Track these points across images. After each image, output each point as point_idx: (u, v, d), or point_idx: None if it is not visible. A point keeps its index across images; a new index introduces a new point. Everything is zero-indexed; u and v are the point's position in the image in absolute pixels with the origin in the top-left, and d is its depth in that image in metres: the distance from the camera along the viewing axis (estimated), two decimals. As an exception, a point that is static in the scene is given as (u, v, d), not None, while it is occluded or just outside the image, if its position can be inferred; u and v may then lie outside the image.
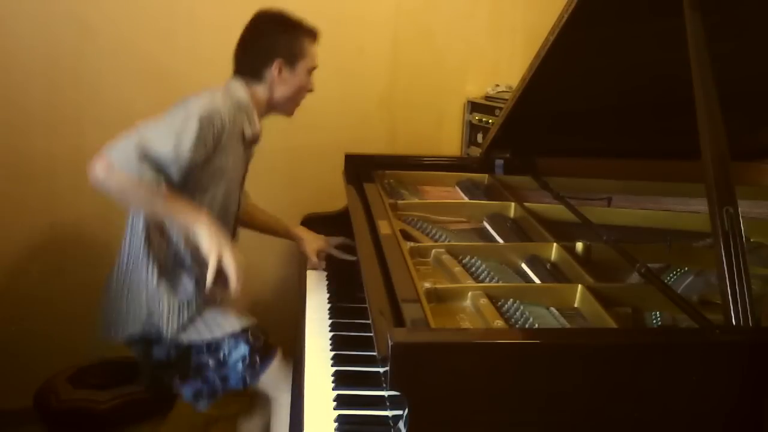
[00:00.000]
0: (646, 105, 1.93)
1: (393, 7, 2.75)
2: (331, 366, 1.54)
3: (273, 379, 1.78)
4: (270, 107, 1.87)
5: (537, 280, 1.49)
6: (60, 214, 2.44)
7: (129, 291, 1.76)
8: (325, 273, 2.08)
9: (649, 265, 1.41)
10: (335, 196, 2.15)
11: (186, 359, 1.77)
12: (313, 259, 2.11)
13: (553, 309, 1.35)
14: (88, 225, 2.44)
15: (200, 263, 1.70)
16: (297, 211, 2.26)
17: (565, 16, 1.61)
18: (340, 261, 2.10)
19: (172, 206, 1.63)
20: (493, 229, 1.80)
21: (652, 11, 1.55)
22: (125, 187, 1.58)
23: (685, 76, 1.33)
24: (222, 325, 1.76)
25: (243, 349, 1.75)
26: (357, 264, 1.64)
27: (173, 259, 1.77)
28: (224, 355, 1.76)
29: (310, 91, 1.89)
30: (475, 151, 2.68)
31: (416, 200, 1.99)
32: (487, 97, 2.84)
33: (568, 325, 1.30)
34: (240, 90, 1.79)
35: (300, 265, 2.17)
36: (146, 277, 1.72)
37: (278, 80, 1.82)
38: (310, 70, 1.86)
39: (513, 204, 1.87)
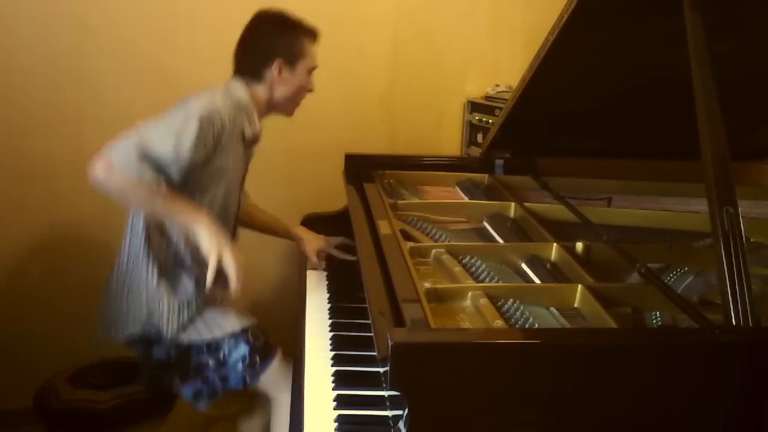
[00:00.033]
0: (646, 105, 1.93)
1: (393, 7, 2.75)
2: (331, 366, 1.54)
3: (273, 379, 1.78)
4: (270, 107, 1.87)
5: (537, 280, 1.49)
6: (60, 214, 2.44)
7: (129, 291, 1.76)
8: (325, 273, 2.08)
9: (649, 265, 1.41)
10: (335, 196, 2.15)
11: (186, 359, 1.77)
12: (313, 259, 2.11)
13: (553, 309, 1.35)
14: (88, 225, 2.44)
15: (200, 263, 1.70)
16: (297, 211, 2.26)
17: (565, 16, 1.61)
18: (340, 261, 2.10)
19: (172, 206, 1.63)
20: (493, 229, 1.80)
21: (652, 11, 1.55)
22: (125, 187, 1.58)
23: (685, 76, 1.33)
24: (222, 325, 1.76)
25: (243, 349, 1.75)
26: (357, 264, 1.64)
27: (173, 259, 1.77)
28: (224, 355, 1.76)
29: (310, 91, 1.89)
30: (475, 151, 2.68)
31: (416, 200, 1.99)
32: (487, 97, 2.84)
33: (568, 325, 1.30)
34: (240, 90, 1.79)
35: (300, 265, 2.17)
36: (146, 277, 1.73)
37: (278, 80, 1.82)
38: (310, 70, 1.86)
39: (513, 204, 1.87)
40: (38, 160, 2.38)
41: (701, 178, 1.24)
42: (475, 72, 2.93)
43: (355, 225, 1.75)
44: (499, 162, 2.20)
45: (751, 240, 1.70)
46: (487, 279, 1.49)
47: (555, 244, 1.59)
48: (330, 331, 1.72)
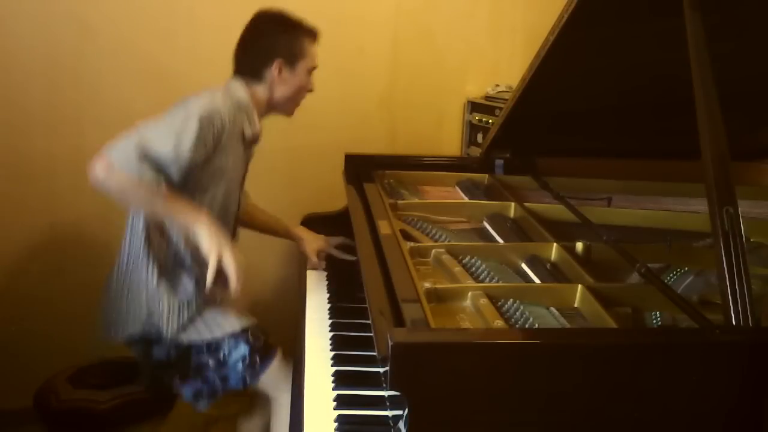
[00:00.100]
0: (646, 105, 1.93)
1: (393, 7, 2.75)
2: (331, 366, 1.54)
3: (273, 379, 1.78)
4: (270, 107, 1.87)
5: (537, 280, 1.49)
6: (60, 214, 2.44)
7: (129, 291, 1.76)
8: (325, 273, 2.08)
9: (649, 265, 1.41)
10: (335, 196, 2.15)
11: (186, 359, 1.77)
12: (313, 259, 2.11)
13: (553, 309, 1.35)
14: (88, 225, 2.44)
15: (200, 263, 1.70)
16: (297, 211, 2.26)
17: (565, 16, 1.61)
18: (340, 261, 2.10)
19: (172, 206, 1.63)
20: (493, 229, 1.80)
21: (652, 11, 1.55)
22: (125, 187, 1.58)
23: (685, 76, 1.33)
24: (222, 325, 1.76)
25: (243, 349, 1.75)
26: (357, 264, 1.64)
27: (173, 259, 1.77)
28: (224, 355, 1.76)
29: (310, 91, 1.89)
30: (475, 151, 2.68)
31: (416, 200, 1.99)
32: (487, 97, 2.84)
33: (568, 325, 1.30)
34: (240, 90, 1.79)
35: (300, 265, 2.17)
36: (146, 277, 1.73)
37: (278, 80, 1.82)
38: (310, 70, 1.86)
39: (513, 204, 1.87)
40: (38, 160, 2.38)
41: (701, 178, 1.24)
42: (475, 72, 2.93)
43: (355, 225, 1.75)
44: (499, 162, 2.20)
45: (751, 240, 1.70)
46: (487, 279, 1.49)
47: (555, 244, 1.59)
48: (330, 331, 1.72)
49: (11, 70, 2.30)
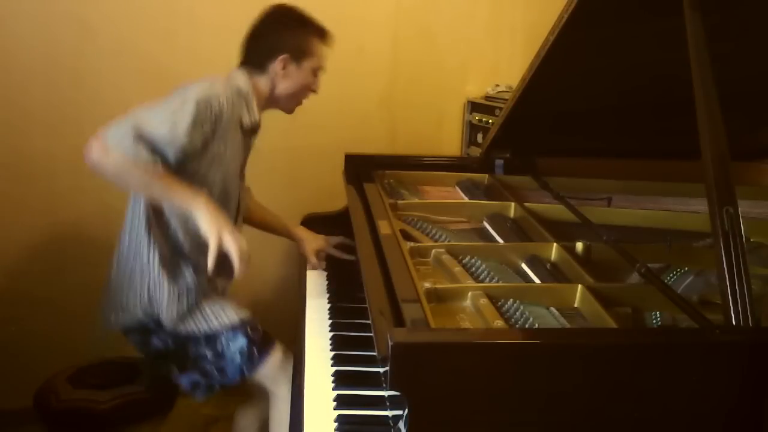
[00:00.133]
0: (646, 105, 1.93)
1: (393, 6, 2.75)
2: (331, 366, 1.54)
3: (271, 372, 1.78)
4: (271, 101, 1.86)
5: (537, 280, 1.49)
6: (60, 214, 2.44)
7: (130, 277, 1.76)
8: (325, 273, 2.08)
9: (649, 265, 1.41)
10: (335, 196, 2.15)
11: (184, 350, 1.78)
12: (313, 259, 2.10)
13: (553, 309, 1.35)
14: (89, 225, 2.44)
15: (199, 252, 1.69)
16: (297, 211, 2.26)
17: (565, 16, 1.61)
18: (340, 261, 2.10)
19: (169, 188, 1.62)
20: (493, 229, 1.80)
21: (652, 11, 1.55)
22: (121, 168, 1.58)
23: (685, 76, 1.33)
24: (220, 317, 1.77)
25: (241, 341, 1.75)
26: (357, 264, 1.64)
27: (172, 248, 1.77)
28: (222, 347, 1.76)
29: (314, 91, 1.89)
30: (475, 151, 2.68)
31: (416, 200, 1.99)
32: (487, 97, 2.84)
33: (568, 325, 1.30)
34: (241, 78, 1.79)
35: (300, 265, 2.17)
36: (147, 263, 1.73)
37: (282, 75, 1.81)
38: (316, 70, 1.86)
39: (513, 204, 1.87)
40: (38, 160, 2.38)
41: (701, 178, 1.24)
42: (475, 72, 2.93)
43: (355, 225, 1.75)
44: (499, 162, 2.20)
45: (751, 240, 1.70)
46: (487, 279, 1.49)
47: (555, 244, 1.59)
48: (330, 331, 1.72)
49: (11, 70, 2.30)
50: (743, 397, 1.08)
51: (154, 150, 1.58)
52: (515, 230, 1.76)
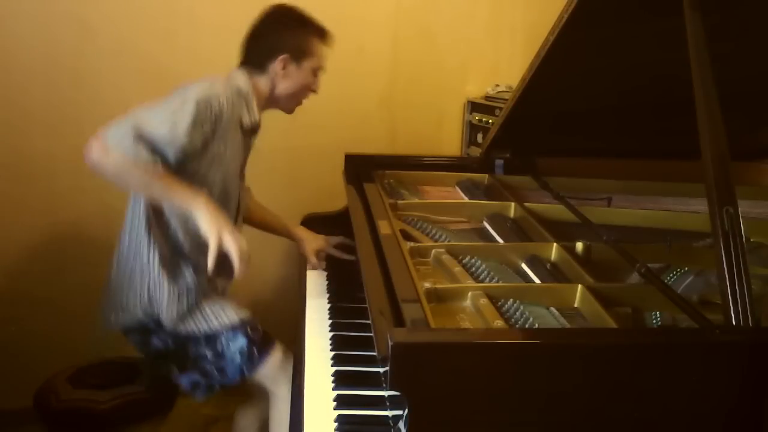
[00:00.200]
0: (646, 105, 1.93)
1: (393, 6, 2.75)
2: (331, 366, 1.54)
3: (271, 372, 1.78)
4: (271, 101, 1.86)
5: (537, 280, 1.49)
6: (60, 214, 2.44)
7: (130, 276, 1.76)
8: (325, 273, 2.08)
9: (649, 265, 1.41)
10: (335, 196, 2.15)
11: (184, 350, 1.78)
12: (313, 259, 2.10)
13: (553, 309, 1.35)
14: (89, 225, 2.44)
15: (199, 252, 1.69)
16: (297, 211, 2.26)
17: (565, 16, 1.61)
18: (340, 261, 2.10)
19: (169, 188, 1.62)
20: (493, 229, 1.80)
21: (652, 11, 1.55)
22: (120, 168, 1.58)
23: (685, 76, 1.33)
24: (220, 317, 1.77)
25: (241, 341, 1.75)
26: (357, 264, 1.64)
27: (173, 248, 1.77)
28: (222, 347, 1.76)
29: (314, 91, 1.89)
30: (475, 151, 2.68)
31: (416, 200, 1.99)
32: (487, 97, 2.84)
33: (568, 325, 1.30)
34: (241, 78, 1.79)
35: (300, 265, 2.17)
36: (148, 262, 1.73)
37: (282, 75, 1.81)
38: (316, 70, 1.86)
39: (513, 204, 1.87)
40: (38, 160, 2.38)
41: (701, 178, 1.24)
42: (475, 72, 2.93)
43: (355, 225, 1.75)
44: (499, 162, 2.20)
45: (751, 240, 1.70)
46: (487, 279, 1.49)
47: (555, 244, 1.59)
48: (330, 331, 1.72)
49: (11, 70, 2.30)
50: (743, 397, 1.08)
51: (154, 150, 1.58)
52: (515, 230, 1.76)
